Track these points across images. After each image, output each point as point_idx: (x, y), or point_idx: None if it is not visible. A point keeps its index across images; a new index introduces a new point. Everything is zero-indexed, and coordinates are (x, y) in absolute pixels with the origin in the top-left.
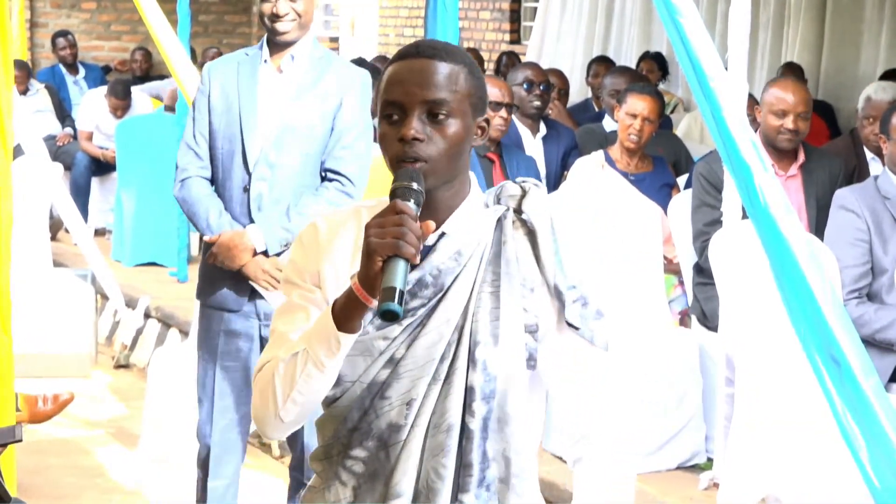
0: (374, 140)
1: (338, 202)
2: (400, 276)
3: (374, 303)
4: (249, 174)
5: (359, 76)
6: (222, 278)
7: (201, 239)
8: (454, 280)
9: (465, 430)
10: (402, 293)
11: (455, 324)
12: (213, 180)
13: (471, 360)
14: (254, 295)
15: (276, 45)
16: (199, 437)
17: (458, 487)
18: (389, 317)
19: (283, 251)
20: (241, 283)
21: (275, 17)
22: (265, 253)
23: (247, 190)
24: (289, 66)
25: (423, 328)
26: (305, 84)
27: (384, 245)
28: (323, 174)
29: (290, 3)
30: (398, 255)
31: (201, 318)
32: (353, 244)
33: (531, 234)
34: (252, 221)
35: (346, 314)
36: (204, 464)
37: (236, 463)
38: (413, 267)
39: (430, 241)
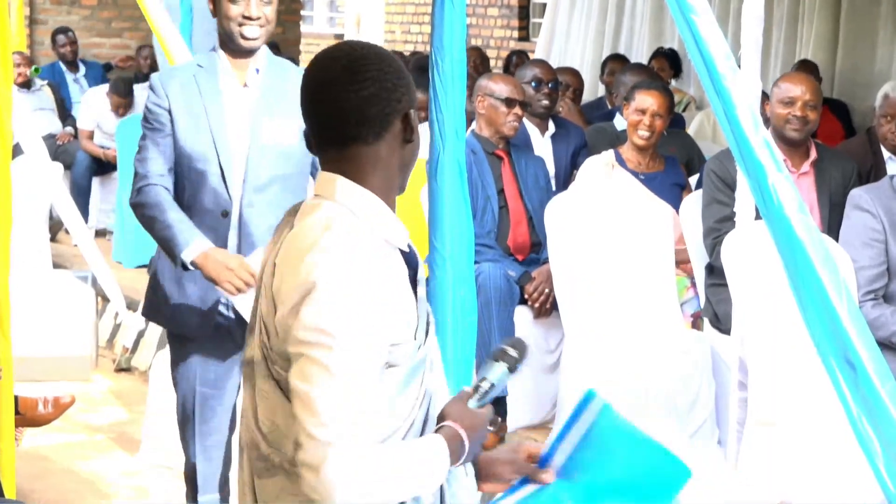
0: None
1: None
2: None
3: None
4: (230, 197)
5: None
6: (181, 299)
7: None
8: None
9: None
10: None
11: None
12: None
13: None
14: (218, 316)
15: (235, 54)
16: (185, 452)
17: None
18: None
19: None
20: (207, 311)
21: (245, 20)
22: None
23: (226, 215)
24: (254, 80)
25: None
26: (273, 99)
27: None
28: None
29: (263, 5)
30: None
31: (170, 342)
32: (399, 279)
33: None
34: (226, 248)
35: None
36: (191, 480)
37: (226, 475)
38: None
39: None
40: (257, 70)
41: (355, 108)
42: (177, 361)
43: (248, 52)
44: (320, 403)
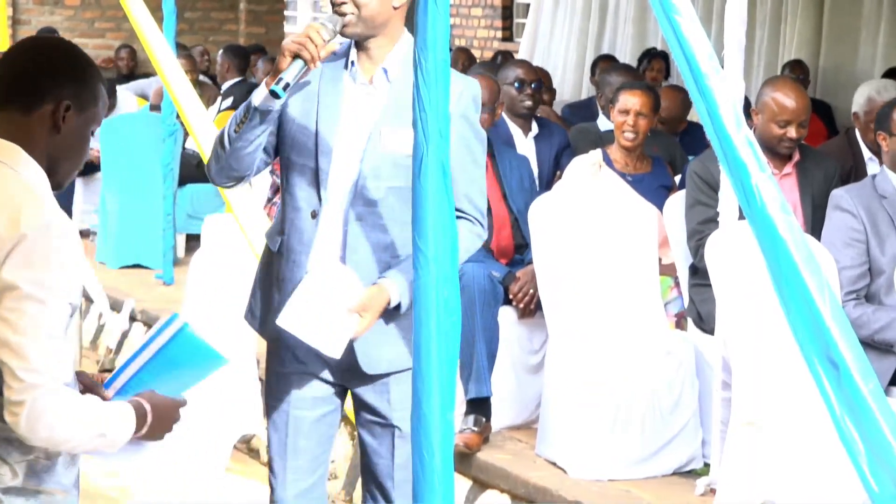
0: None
1: (471, 247)
2: None
3: None
4: (320, 199)
5: (468, 89)
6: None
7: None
8: None
9: None
10: None
11: None
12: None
13: None
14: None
15: (357, 45)
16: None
17: None
18: None
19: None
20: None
21: (335, 5)
22: (398, 308)
23: (315, 216)
24: (381, 80)
25: None
26: (400, 105)
27: None
28: None
29: None
30: None
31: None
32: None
33: None
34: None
35: None
36: None
37: None
38: None
39: None
40: (385, 70)
41: (21, 74)
42: (270, 378)
43: (360, 43)
44: (31, 351)
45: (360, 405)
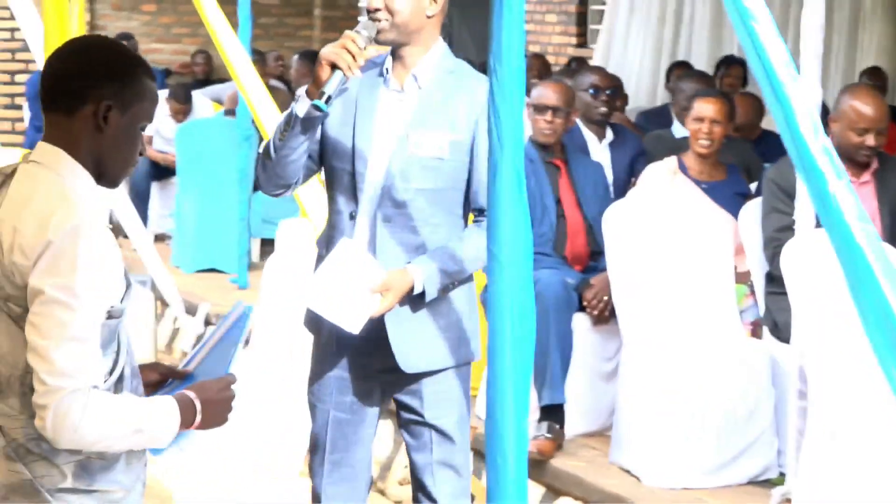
0: None
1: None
2: None
3: None
4: (357, 201)
5: None
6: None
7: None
8: None
9: None
10: None
11: None
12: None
13: None
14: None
15: (392, 53)
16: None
17: None
18: None
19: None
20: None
21: (370, 13)
22: (422, 295)
23: (353, 217)
24: (411, 87)
25: None
26: (429, 110)
27: None
28: (475, 213)
29: None
30: None
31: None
32: (115, 246)
33: None
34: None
35: None
36: None
37: None
38: None
39: None
40: (415, 77)
41: (62, 76)
42: (313, 376)
43: (395, 51)
44: (56, 355)
45: (399, 405)
